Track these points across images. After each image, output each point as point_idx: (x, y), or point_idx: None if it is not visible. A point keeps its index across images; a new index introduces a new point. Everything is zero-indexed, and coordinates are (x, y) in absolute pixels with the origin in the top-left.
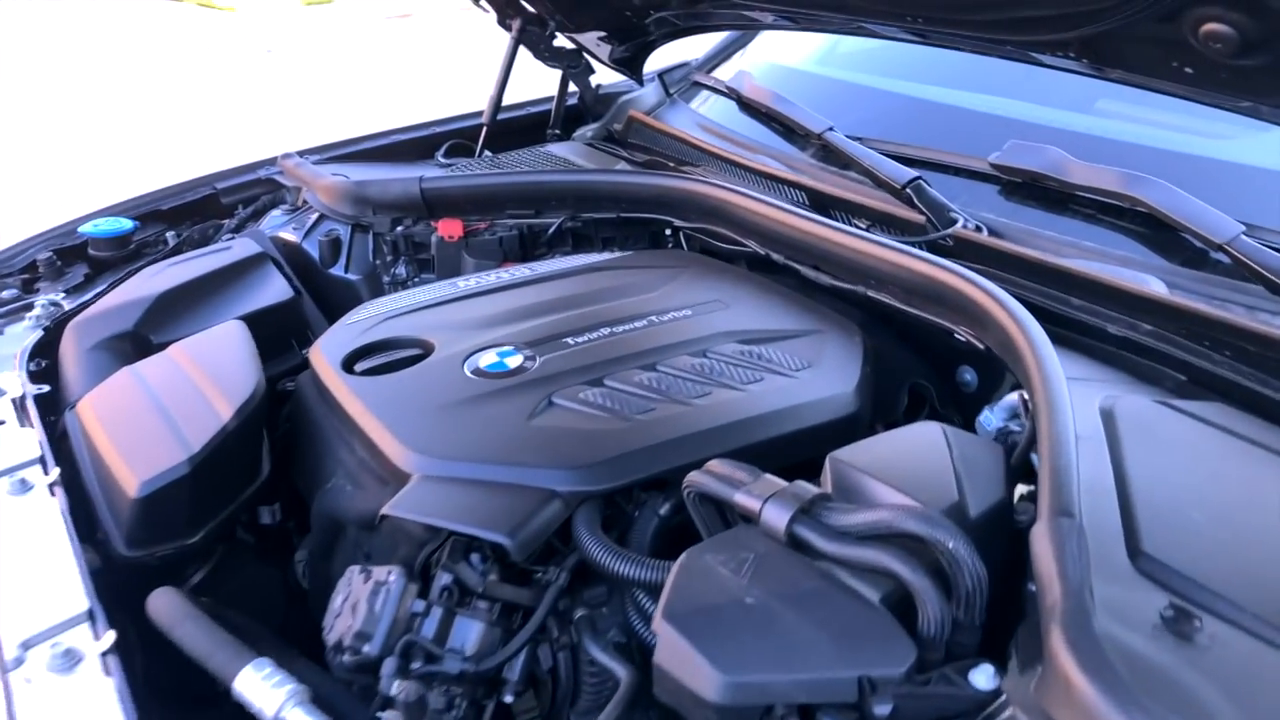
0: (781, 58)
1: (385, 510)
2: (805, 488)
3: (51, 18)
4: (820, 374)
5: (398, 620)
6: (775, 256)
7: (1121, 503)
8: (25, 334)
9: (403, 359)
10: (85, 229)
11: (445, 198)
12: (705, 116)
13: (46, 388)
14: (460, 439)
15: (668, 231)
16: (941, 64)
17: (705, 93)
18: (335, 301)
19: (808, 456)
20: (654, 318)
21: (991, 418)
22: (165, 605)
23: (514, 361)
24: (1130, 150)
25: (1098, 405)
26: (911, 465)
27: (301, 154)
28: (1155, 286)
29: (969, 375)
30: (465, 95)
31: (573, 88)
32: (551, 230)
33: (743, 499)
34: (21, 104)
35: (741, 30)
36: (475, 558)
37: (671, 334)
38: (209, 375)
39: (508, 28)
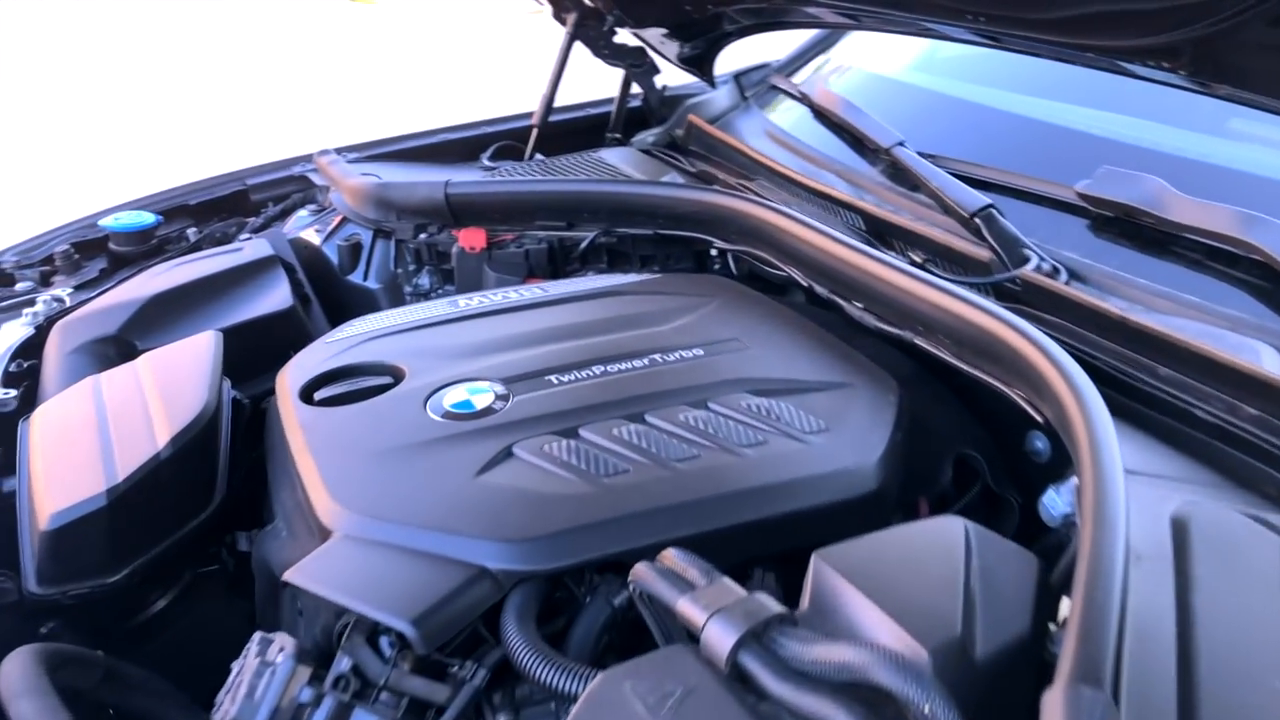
0: (871, 63)
1: (286, 576)
2: (763, 604)
3: (208, 11)
4: (838, 439)
5: (280, 710)
6: (818, 289)
7: (1181, 661)
8: (20, 331)
9: (366, 389)
10: (105, 222)
11: (471, 205)
12: (775, 124)
13: (13, 393)
14: (394, 494)
15: (712, 253)
16: (1053, 73)
17: (783, 98)
18: (353, 311)
19: (810, 543)
20: (658, 356)
21: (1057, 500)
22: (13, 673)
23: (482, 400)
24: (1267, 187)
25: (1170, 514)
26: (914, 578)
27: (340, 151)
28: (1268, 361)
29: (1040, 443)
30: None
31: (637, 88)
32: (584, 245)
33: (687, 608)
34: (180, 96)
35: (805, 28)
36: (385, 641)
37: (673, 378)
38: (160, 393)
39: (563, 21)
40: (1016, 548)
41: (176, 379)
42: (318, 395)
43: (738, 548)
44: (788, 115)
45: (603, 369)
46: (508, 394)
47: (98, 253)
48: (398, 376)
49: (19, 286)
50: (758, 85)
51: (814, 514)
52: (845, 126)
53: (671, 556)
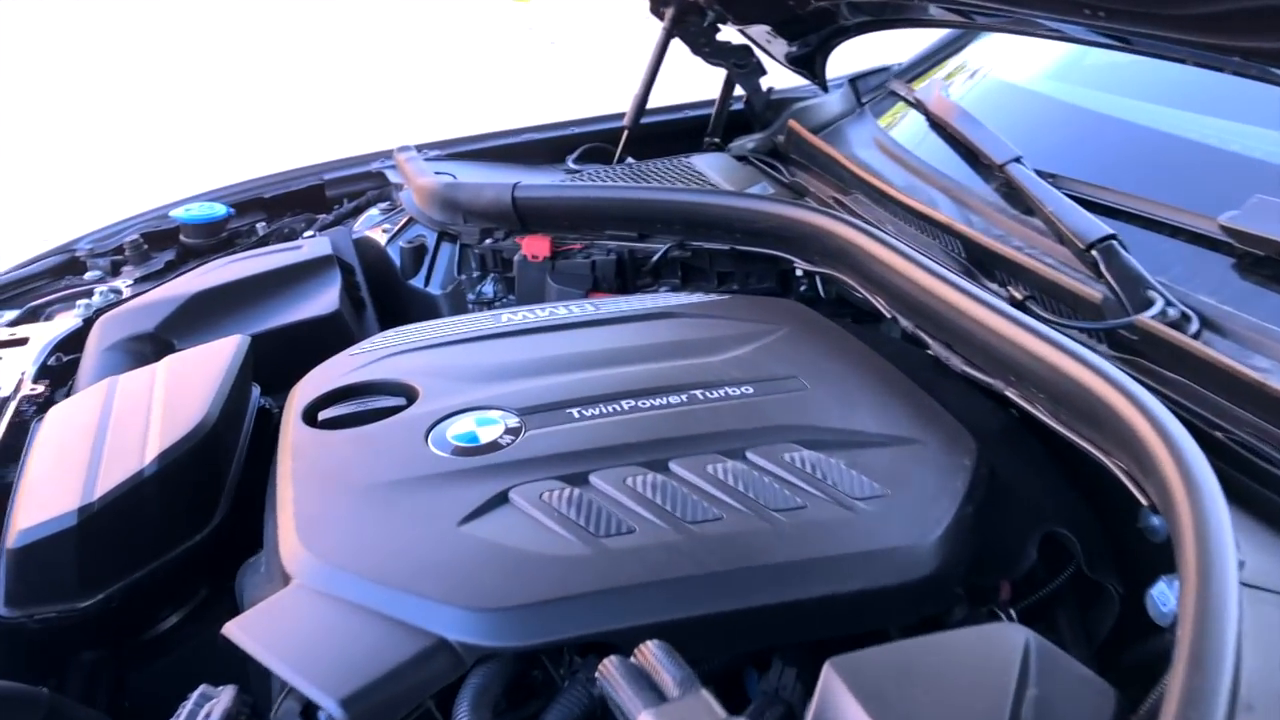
0: (1000, 69)
1: (225, 628)
2: None
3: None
4: (894, 509)
5: None
6: (903, 323)
7: None
8: (68, 322)
9: (373, 410)
10: (176, 213)
11: (539, 209)
12: (887, 134)
13: (39, 388)
14: (366, 540)
15: (798, 273)
16: (1205, 86)
17: (900, 105)
18: (413, 317)
19: (846, 631)
20: (699, 393)
21: (1169, 595)
22: None
23: (489, 433)
24: None
25: None
26: (947, 706)
27: (420, 147)
28: None
29: (1156, 520)
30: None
31: (740, 90)
32: (655, 258)
33: None
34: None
35: (916, 27)
36: (323, 716)
37: (711, 420)
38: (166, 401)
39: (660, 16)
40: (1089, 676)
41: (186, 386)
42: (324, 414)
43: (757, 633)
44: (901, 125)
45: (633, 404)
46: (520, 427)
47: (168, 244)
48: (411, 398)
49: (88, 275)
50: (875, 91)
51: (852, 600)
52: (958, 138)
53: (649, 652)
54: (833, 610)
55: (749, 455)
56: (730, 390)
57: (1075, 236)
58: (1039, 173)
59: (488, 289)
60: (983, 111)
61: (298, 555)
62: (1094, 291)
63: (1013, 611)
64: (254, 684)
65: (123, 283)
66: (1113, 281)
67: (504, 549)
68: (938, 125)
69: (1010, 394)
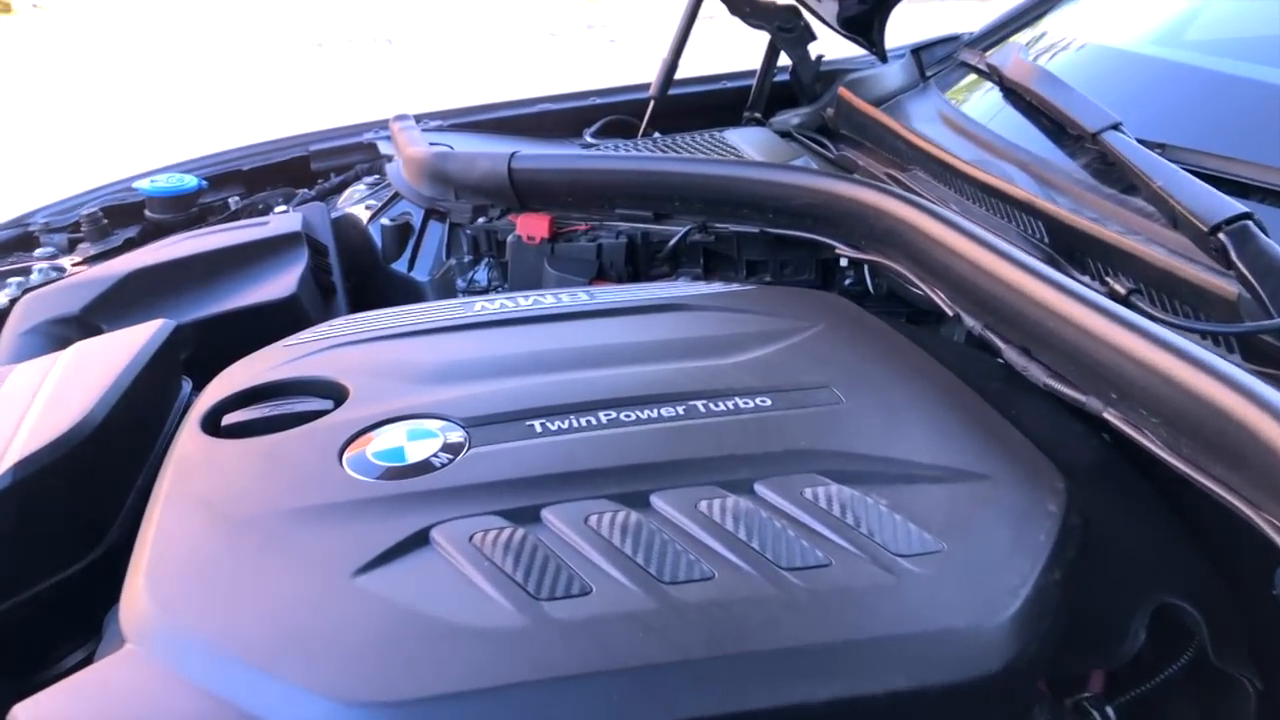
0: (1092, 35)
1: (15, 709)
2: None
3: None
4: (955, 571)
5: None
6: (969, 322)
7: None
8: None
9: (289, 415)
10: (141, 185)
11: (540, 183)
12: (955, 107)
13: None
14: (228, 593)
15: (842, 263)
16: None
17: (972, 76)
18: (395, 305)
19: None
20: (702, 404)
21: None
22: None
23: (421, 450)
24: None
25: None
26: None
27: (420, 118)
28: None
29: None
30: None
31: (785, 60)
32: (673, 242)
33: None
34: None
35: None
36: None
37: (712, 439)
38: (51, 398)
39: None
40: None
41: (78, 380)
42: (229, 418)
43: None
44: (970, 96)
45: (612, 415)
46: (464, 442)
47: (133, 219)
48: (340, 400)
49: (39, 251)
50: (942, 63)
51: (890, 704)
52: (1041, 105)
53: None
54: (857, 717)
55: (758, 489)
56: (741, 401)
57: (1195, 217)
58: (1143, 142)
59: (480, 276)
60: (1072, 77)
61: (136, 608)
62: (1227, 285)
63: (1110, 711)
64: None
65: (69, 260)
66: (1246, 272)
67: (407, 614)
68: (1015, 93)
69: (1111, 416)
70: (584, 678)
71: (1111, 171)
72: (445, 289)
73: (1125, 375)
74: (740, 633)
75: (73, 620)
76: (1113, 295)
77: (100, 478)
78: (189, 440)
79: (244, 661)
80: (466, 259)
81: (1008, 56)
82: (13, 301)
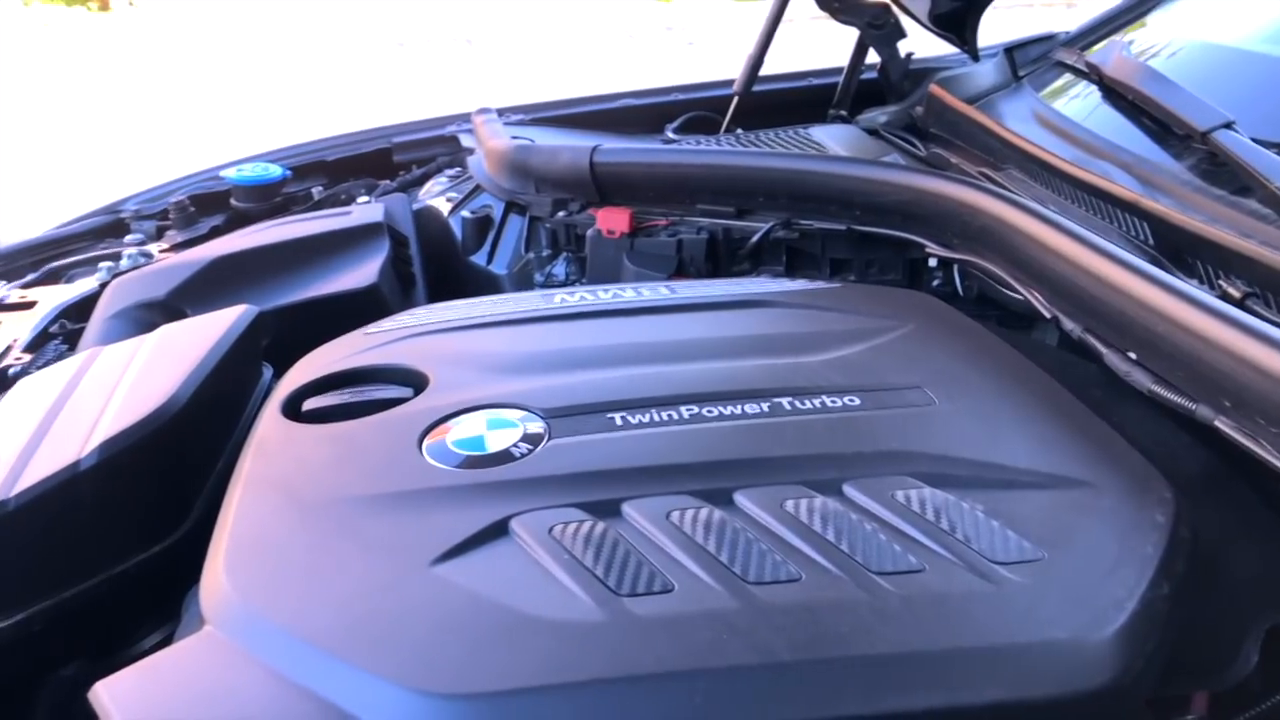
0: (1197, 32)
1: (94, 689)
2: None
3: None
4: (1056, 581)
5: None
6: (1067, 325)
7: None
8: (81, 287)
9: (369, 403)
10: (228, 174)
11: (621, 177)
12: (1050, 107)
13: (26, 358)
14: (307, 578)
15: (931, 262)
16: None
17: (1069, 76)
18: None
19: None
20: (788, 401)
21: None
22: None
23: (502, 440)
24: None
25: None
26: None
27: (502, 111)
28: None
29: None
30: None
31: (874, 56)
32: (755, 239)
33: None
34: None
35: None
36: None
37: (799, 437)
38: (137, 380)
39: None
40: None
41: (163, 363)
42: (309, 404)
43: None
44: (1067, 96)
45: (695, 410)
46: (544, 433)
47: (219, 208)
48: (420, 389)
49: (129, 238)
50: (1037, 62)
51: (983, 716)
52: (1144, 103)
53: None
54: None
55: (847, 490)
56: (829, 400)
57: None
58: (1257, 141)
59: (559, 270)
60: (1176, 76)
61: (216, 591)
62: None
63: None
64: None
65: (157, 247)
66: None
67: (486, 604)
68: (1116, 92)
69: (1222, 425)
70: (665, 677)
71: (1222, 172)
72: (523, 282)
73: (1242, 382)
74: (829, 637)
75: (152, 601)
76: (1226, 298)
77: (182, 460)
78: (270, 424)
79: (321, 647)
80: (545, 253)
81: (1109, 54)
82: (103, 285)
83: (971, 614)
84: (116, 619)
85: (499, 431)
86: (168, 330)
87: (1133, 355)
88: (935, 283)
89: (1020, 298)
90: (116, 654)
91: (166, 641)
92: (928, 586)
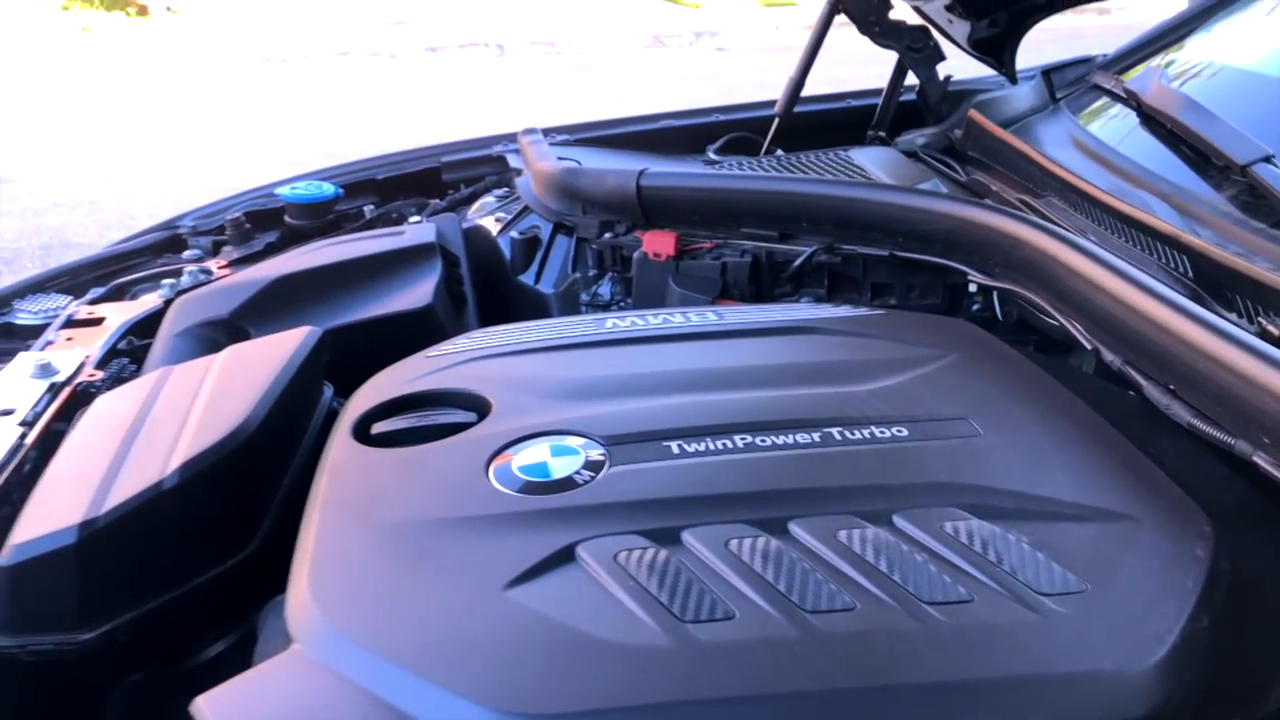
0: (1236, 58)
1: (195, 703)
2: None
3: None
4: (1100, 613)
5: None
6: (1108, 356)
7: None
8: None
9: (436, 427)
10: (282, 191)
11: (667, 200)
12: (1088, 132)
13: (100, 374)
14: (387, 600)
15: (971, 288)
16: None
17: (1106, 100)
18: (521, 316)
19: None
20: (838, 431)
21: None
22: None
23: (565, 466)
24: None
25: None
26: None
27: (548, 131)
28: None
29: None
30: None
31: (912, 79)
32: (798, 263)
33: None
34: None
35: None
36: None
37: (849, 468)
38: (210, 401)
39: None
40: None
41: (234, 384)
42: (377, 428)
43: None
44: (1105, 121)
45: (748, 439)
46: (604, 460)
47: (273, 224)
48: (484, 414)
49: (186, 254)
50: (1074, 85)
51: None
52: (1183, 134)
53: None
54: None
55: (897, 521)
56: (878, 431)
57: None
58: None
59: (604, 290)
60: (1215, 104)
61: (303, 611)
62: None
63: None
64: None
65: (216, 263)
66: None
67: (557, 628)
68: (1154, 119)
69: (1261, 460)
70: (731, 701)
71: (1261, 205)
72: (569, 301)
73: (1273, 416)
74: (884, 665)
75: (217, 614)
76: (1264, 335)
77: (254, 478)
78: (342, 447)
79: (404, 666)
80: (591, 273)
81: (1147, 82)
82: (166, 302)
83: (1019, 644)
84: (186, 630)
85: (562, 459)
86: (236, 351)
87: (1172, 388)
88: (975, 307)
89: (1060, 326)
90: (181, 663)
91: (229, 651)
92: (977, 617)
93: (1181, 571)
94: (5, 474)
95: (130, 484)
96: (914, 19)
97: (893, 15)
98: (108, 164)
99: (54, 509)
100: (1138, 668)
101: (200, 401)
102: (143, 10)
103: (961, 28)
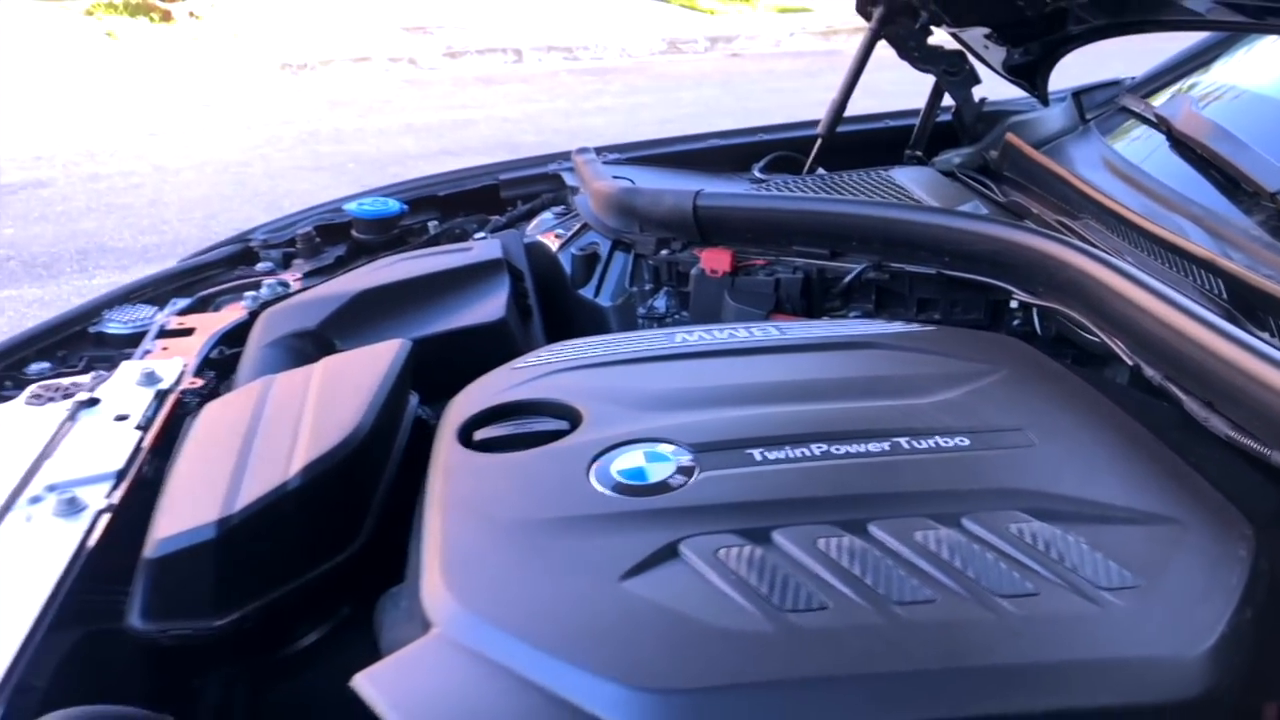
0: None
1: (356, 679)
2: None
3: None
4: (1152, 605)
5: None
6: (1149, 372)
7: None
8: (234, 314)
9: (534, 434)
10: (350, 207)
11: (722, 220)
12: (1120, 153)
13: (200, 382)
14: (516, 588)
15: (1012, 304)
16: None
17: (1134, 123)
18: (580, 328)
19: None
20: (904, 441)
21: None
22: None
23: (660, 471)
24: None
25: None
26: None
27: (600, 150)
28: None
29: None
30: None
31: (948, 100)
32: (848, 279)
33: None
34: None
35: (1180, 30)
36: None
37: (918, 475)
38: (317, 408)
39: (867, 16)
40: None
41: (340, 392)
42: (480, 434)
43: None
44: (1136, 144)
45: (824, 448)
46: (694, 466)
47: (341, 238)
48: (575, 422)
49: (259, 266)
50: (1102, 106)
51: (1093, 719)
52: (1216, 161)
53: None
54: None
55: (965, 523)
56: (942, 440)
57: None
58: None
59: (660, 304)
60: (1245, 131)
61: (441, 599)
62: None
63: None
64: None
65: (291, 276)
66: None
67: (673, 615)
68: (1185, 146)
69: None
70: (831, 680)
71: None
72: (626, 315)
73: None
74: (964, 649)
75: (318, 606)
76: None
77: (361, 480)
78: (451, 452)
79: (539, 647)
80: (648, 287)
81: (1179, 108)
82: (252, 314)
83: (1083, 632)
84: (295, 621)
85: (657, 464)
86: (333, 362)
87: (1211, 403)
88: (1015, 322)
89: (1099, 342)
90: (278, 652)
91: (323, 642)
92: (1043, 608)
93: (1226, 569)
94: (131, 476)
95: (257, 485)
96: (951, 44)
97: (931, 41)
98: (138, 168)
99: (188, 507)
100: (1190, 654)
101: (309, 408)
102: (166, 16)
103: (997, 53)
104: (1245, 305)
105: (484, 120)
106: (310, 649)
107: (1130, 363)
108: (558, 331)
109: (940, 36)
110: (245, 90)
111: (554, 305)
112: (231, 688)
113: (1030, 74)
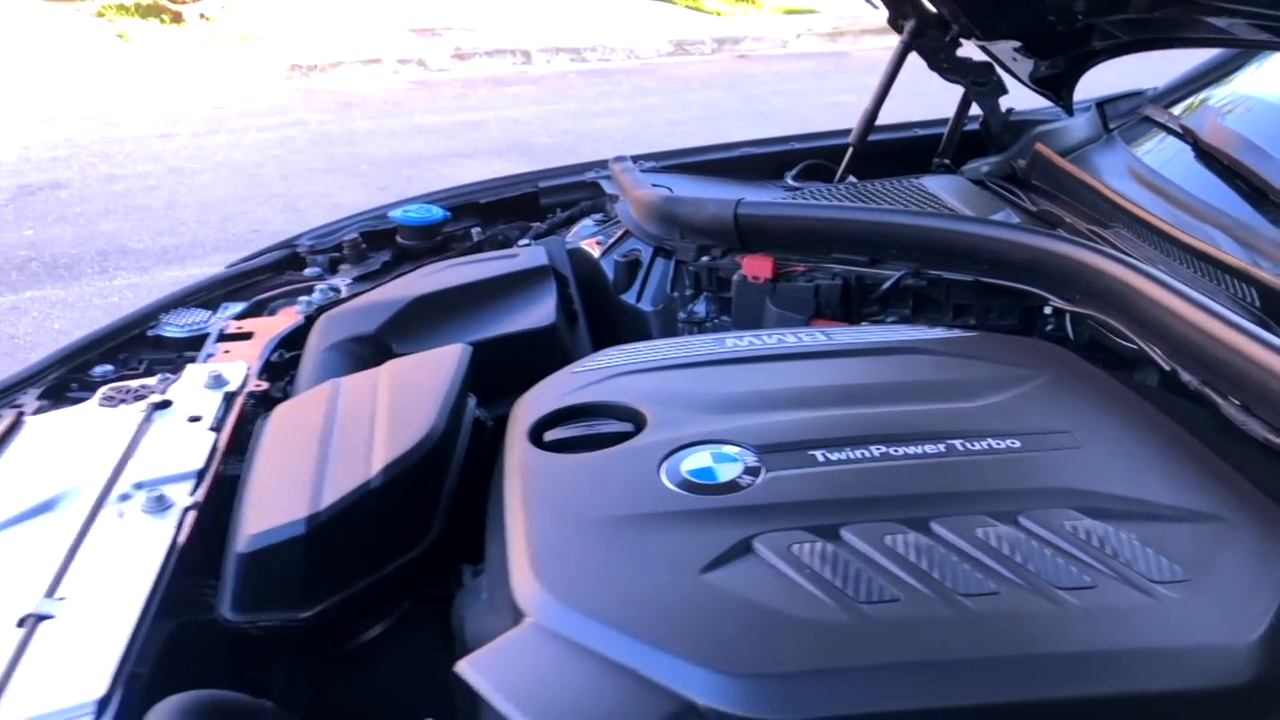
0: None
1: (460, 666)
2: None
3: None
4: (1202, 597)
5: None
6: (1185, 376)
7: None
8: (291, 319)
9: (601, 435)
10: (395, 214)
11: (762, 228)
12: (1145, 162)
13: (264, 385)
14: (602, 579)
15: (1046, 311)
16: None
17: (1157, 132)
18: (622, 332)
19: None
20: (959, 443)
21: None
22: None
23: (728, 471)
24: None
25: None
26: None
27: (636, 159)
28: None
29: None
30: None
31: (975, 110)
32: (886, 286)
33: None
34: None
35: (1204, 47)
36: None
37: (975, 475)
38: (390, 410)
39: (899, 29)
40: None
41: (410, 396)
42: (549, 435)
43: None
44: (1161, 154)
45: (883, 450)
46: (759, 466)
47: (386, 244)
48: (639, 424)
49: (307, 271)
50: (1125, 116)
51: (1154, 703)
52: (1241, 171)
53: None
54: (1129, 713)
55: (1022, 520)
56: (994, 443)
57: None
58: None
59: (700, 309)
60: (1269, 143)
61: (532, 591)
62: None
63: None
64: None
65: (340, 281)
66: None
67: (754, 605)
68: (1211, 156)
69: None
70: (904, 666)
71: None
72: (667, 320)
73: None
74: (1027, 638)
75: (387, 600)
76: None
77: (433, 479)
78: (524, 452)
79: (633, 635)
80: (688, 293)
81: (1204, 120)
82: (307, 318)
83: (1138, 622)
84: (365, 613)
85: (725, 465)
86: (399, 366)
87: (1248, 406)
88: (1048, 328)
89: (1134, 347)
90: (345, 643)
91: (386, 634)
92: (1100, 600)
93: (1271, 565)
94: (210, 475)
95: (340, 483)
96: (979, 56)
97: (960, 53)
98: (154, 170)
99: (275, 504)
100: (1241, 643)
101: (381, 411)
102: (177, 18)
103: (1025, 66)
104: (1277, 312)
105: (494, 122)
106: (373, 641)
107: (1167, 367)
108: (601, 335)
109: (969, 49)
110: (256, 92)
111: (597, 310)
112: (296, 678)
113: (1056, 86)
